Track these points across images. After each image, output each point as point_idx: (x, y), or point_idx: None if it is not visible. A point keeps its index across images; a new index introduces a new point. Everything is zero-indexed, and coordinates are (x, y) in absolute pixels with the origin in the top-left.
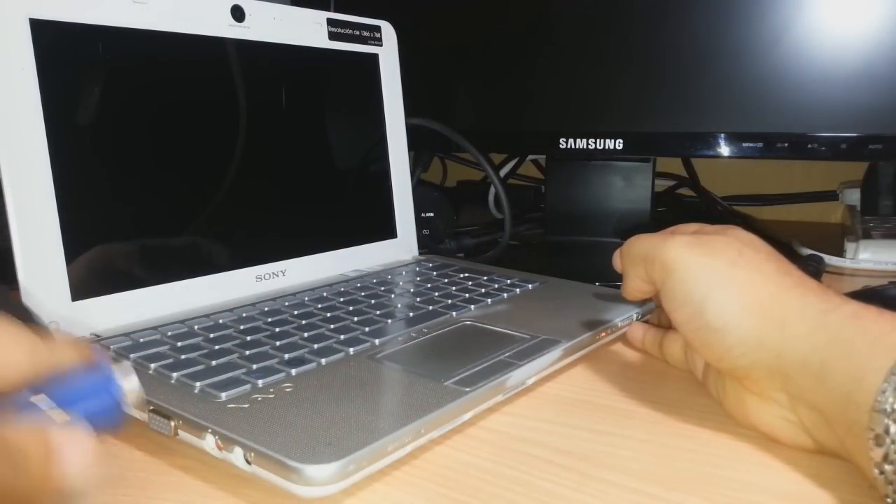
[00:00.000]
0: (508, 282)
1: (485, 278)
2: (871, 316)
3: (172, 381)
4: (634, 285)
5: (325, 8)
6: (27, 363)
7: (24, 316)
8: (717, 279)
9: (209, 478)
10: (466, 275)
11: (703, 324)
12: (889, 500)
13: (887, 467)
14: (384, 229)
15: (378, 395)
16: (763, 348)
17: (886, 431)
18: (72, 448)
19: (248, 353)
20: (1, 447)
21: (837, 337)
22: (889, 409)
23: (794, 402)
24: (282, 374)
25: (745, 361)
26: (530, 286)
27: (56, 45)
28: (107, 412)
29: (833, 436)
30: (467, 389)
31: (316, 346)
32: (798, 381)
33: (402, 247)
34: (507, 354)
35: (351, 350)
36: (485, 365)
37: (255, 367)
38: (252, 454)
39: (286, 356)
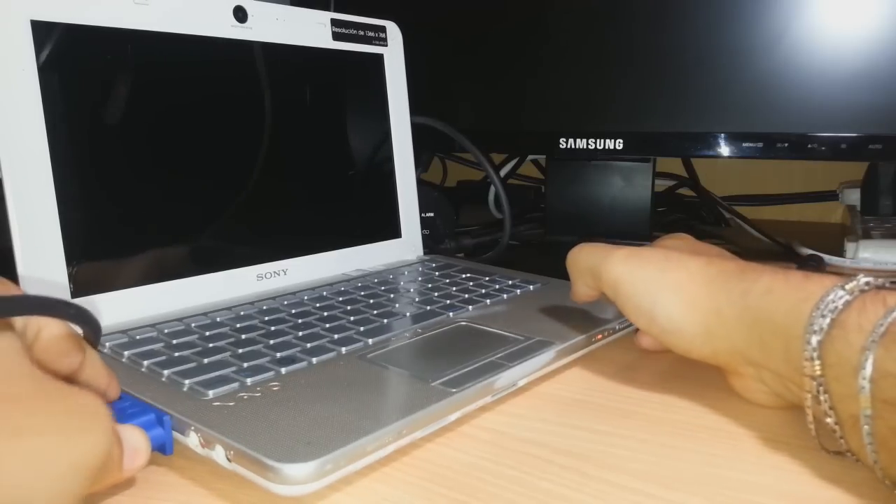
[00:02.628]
0: (510, 282)
1: (486, 279)
2: (780, 286)
3: (163, 379)
4: (582, 291)
5: (325, 8)
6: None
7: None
8: (654, 287)
9: (203, 478)
10: (468, 275)
11: (659, 329)
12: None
13: (820, 395)
14: (388, 229)
15: (364, 394)
16: (714, 336)
17: (812, 358)
18: (144, 448)
19: (240, 351)
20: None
21: (760, 316)
22: (816, 346)
23: (759, 371)
24: (271, 373)
25: (708, 351)
26: (531, 287)
27: (57, 46)
28: (158, 438)
29: (797, 392)
30: (454, 390)
31: (309, 345)
32: (751, 355)
33: (406, 247)
34: (499, 355)
35: (343, 349)
36: (475, 366)
37: (245, 365)
38: (232, 452)
39: (278, 355)
